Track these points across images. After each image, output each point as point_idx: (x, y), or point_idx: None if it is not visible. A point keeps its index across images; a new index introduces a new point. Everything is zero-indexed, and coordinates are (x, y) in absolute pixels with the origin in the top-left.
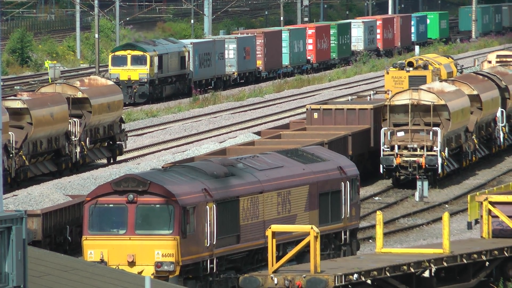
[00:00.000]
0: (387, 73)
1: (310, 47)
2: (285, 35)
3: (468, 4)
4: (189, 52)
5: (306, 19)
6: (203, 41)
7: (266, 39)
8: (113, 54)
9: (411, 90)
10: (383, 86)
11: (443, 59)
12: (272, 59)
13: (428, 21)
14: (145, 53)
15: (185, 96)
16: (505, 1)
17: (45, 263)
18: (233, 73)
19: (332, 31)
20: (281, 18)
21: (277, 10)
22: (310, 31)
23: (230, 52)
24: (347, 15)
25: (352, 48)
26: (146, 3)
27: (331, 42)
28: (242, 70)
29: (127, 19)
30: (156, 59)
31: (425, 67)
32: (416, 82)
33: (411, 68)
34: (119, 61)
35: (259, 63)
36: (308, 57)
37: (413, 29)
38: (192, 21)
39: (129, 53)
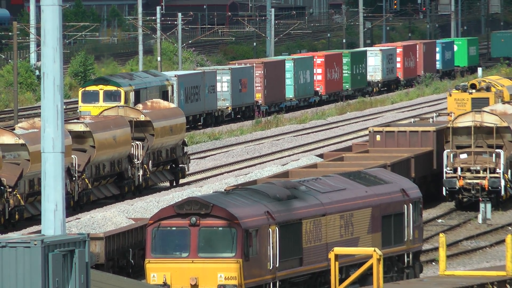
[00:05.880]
0: (450, 95)
1: (319, 77)
2: (289, 65)
3: None
4: (172, 86)
5: (368, 41)
6: (189, 73)
7: (266, 69)
8: (83, 89)
9: (474, 112)
10: (446, 108)
11: (506, 81)
12: (274, 91)
13: (455, 47)
14: (119, 88)
15: None
16: None
17: (108, 287)
18: (227, 107)
19: (344, 60)
20: (344, 41)
21: (339, 32)
22: (318, 60)
23: (224, 85)
24: (409, 37)
25: (369, 78)
26: (208, 26)
27: (344, 71)
28: (237, 105)
29: (190, 42)
30: (132, 95)
31: (487, 89)
32: (478, 104)
33: (473, 90)
34: (91, 97)
35: (259, 96)
36: (317, 88)
37: (438, 56)
38: (254, 43)
39: (101, 88)
